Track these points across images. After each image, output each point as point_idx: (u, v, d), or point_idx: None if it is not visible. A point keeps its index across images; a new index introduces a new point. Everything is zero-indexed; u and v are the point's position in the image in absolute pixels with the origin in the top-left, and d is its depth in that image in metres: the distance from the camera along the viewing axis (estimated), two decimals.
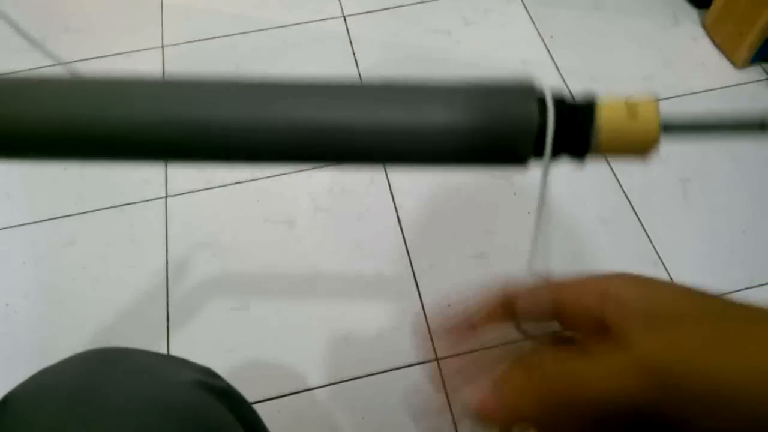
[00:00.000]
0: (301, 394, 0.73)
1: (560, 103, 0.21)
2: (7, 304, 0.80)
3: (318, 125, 0.21)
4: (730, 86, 0.96)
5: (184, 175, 0.91)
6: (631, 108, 0.21)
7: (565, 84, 0.98)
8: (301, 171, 0.91)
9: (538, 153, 0.21)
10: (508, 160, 0.22)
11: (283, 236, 0.84)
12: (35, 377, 0.34)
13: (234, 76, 0.22)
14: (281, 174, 0.91)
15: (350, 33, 1.05)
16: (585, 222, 0.84)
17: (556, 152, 0.22)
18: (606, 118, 0.21)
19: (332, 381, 0.73)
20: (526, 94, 0.21)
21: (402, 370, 0.74)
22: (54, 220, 0.87)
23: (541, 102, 0.21)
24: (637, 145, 0.21)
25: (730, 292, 0.78)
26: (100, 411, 0.31)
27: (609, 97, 0.22)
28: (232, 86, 0.22)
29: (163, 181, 0.90)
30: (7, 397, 0.33)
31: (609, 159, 0.22)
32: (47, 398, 0.32)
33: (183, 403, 0.34)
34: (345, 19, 1.07)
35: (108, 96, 0.21)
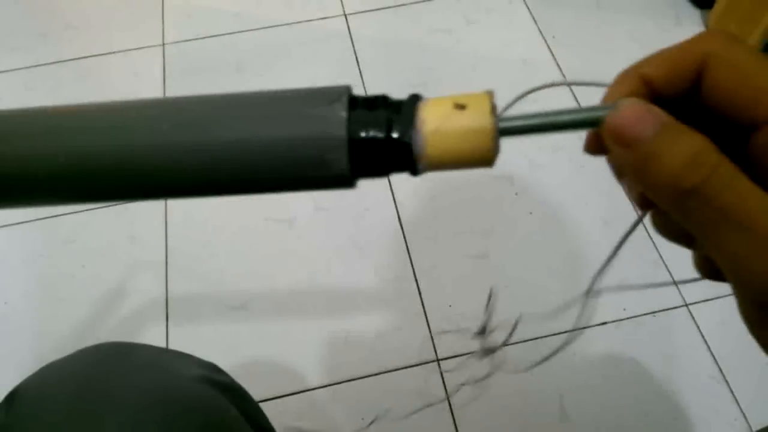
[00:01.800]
0: (301, 394, 0.72)
1: (370, 108, 0.18)
2: (6, 303, 0.80)
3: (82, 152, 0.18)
4: None
5: None
6: (459, 101, 0.18)
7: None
8: None
9: (362, 169, 0.18)
10: (327, 181, 0.19)
11: (283, 235, 0.84)
12: (43, 371, 0.34)
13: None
14: None
15: (351, 31, 1.05)
16: (587, 222, 0.84)
17: (379, 166, 0.18)
18: (428, 114, 0.18)
19: (332, 381, 0.73)
20: (332, 102, 0.18)
21: (402, 370, 0.74)
22: (53, 219, 0.86)
23: (356, 110, 0.18)
24: (471, 145, 0.18)
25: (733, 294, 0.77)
26: (107, 404, 0.31)
27: (435, 97, 0.19)
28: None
29: None
30: (15, 391, 0.33)
31: (447, 168, 0.18)
32: (55, 392, 0.32)
33: (188, 398, 0.34)
34: (346, 17, 1.07)
35: None
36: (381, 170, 0.19)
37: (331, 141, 0.18)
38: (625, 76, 0.20)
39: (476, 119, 0.18)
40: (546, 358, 0.27)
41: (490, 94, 0.18)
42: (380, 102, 0.19)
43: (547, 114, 0.18)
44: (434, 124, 0.18)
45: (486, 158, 0.18)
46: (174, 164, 0.19)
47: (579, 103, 0.95)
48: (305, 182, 0.19)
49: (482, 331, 0.28)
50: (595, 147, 0.20)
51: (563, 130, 0.19)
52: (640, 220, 0.21)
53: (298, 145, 0.18)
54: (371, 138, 0.18)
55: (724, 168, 0.16)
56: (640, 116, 0.17)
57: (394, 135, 0.18)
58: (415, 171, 0.19)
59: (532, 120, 0.18)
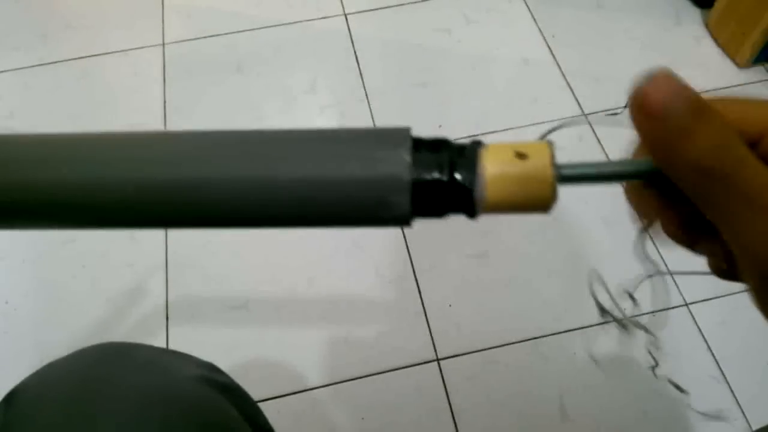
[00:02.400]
0: (301, 394, 0.72)
1: (433, 151, 0.19)
2: (6, 302, 0.80)
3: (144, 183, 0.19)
4: (733, 86, 0.96)
5: None
6: (520, 150, 0.18)
7: (567, 83, 0.97)
8: None
9: (421, 210, 0.19)
10: (386, 220, 0.19)
11: (283, 235, 0.84)
12: (42, 371, 0.34)
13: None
14: None
15: (351, 31, 1.05)
16: (587, 221, 0.84)
17: (438, 208, 0.19)
18: (491, 161, 0.18)
19: (332, 381, 0.73)
20: (397, 145, 0.19)
21: (402, 370, 0.74)
22: None
23: (419, 153, 0.19)
24: (531, 192, 0.18)
25: (733, 293, 0.77)
26: (106, 405, 0.31)
27: (496, 143, 0.19)
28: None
29: None
30: (14, 391, 0.33)
31: (504, 212, 0.19)
32: (54, 392, 0.32)
33: (187, 398, 0.34)
34: (346, 17, 1.07)
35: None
36: (439, 211, 0.19)
37: (396, 184, 0.18)
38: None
39: (537, 169, 0.18)
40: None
41: (550, 145, 0.19)
42: (442, 145, 0.19)
43: (604, 164, 0.19)
44: (496, 171, 0.18)
45: (544, 206, 0.19)
46: (237, 199, 0.19)
47: (580, 106, 0.95)
48: (362, 220, 0.19)
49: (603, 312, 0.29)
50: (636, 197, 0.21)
51: (620, 180, 0.19)
52: (645, 231, 0.22)
53: (363, 186, 0.19)
54: (434, 181, 0.19)
55: (751, 157, 0.16)
56: (674, 90, 0.17)
57: (458, 179, 0.19)
58: (473, 214, 0.19)
59: (590, 169, 0.19)
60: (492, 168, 0.18)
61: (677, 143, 0.16)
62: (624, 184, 0.21)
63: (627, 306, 0.27)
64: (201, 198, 0.19)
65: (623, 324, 0.25)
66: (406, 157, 0.19)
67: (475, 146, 0.19)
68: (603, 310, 0.25)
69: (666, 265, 0.80)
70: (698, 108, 0.16)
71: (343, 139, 0.19)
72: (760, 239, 0.16)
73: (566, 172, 0.19)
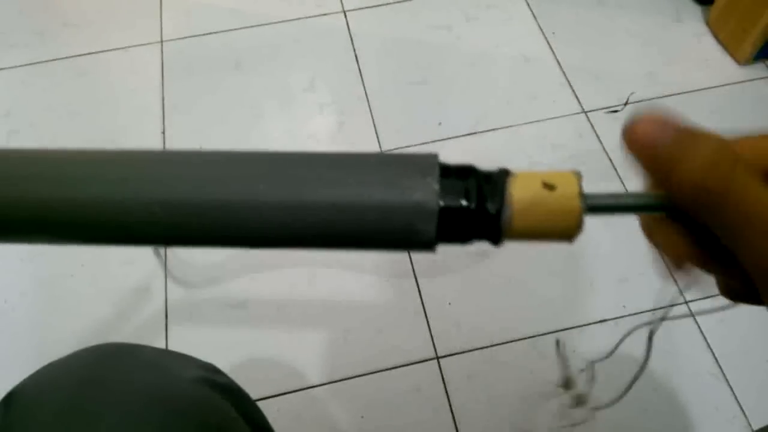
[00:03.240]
0: (301, 392, 0.72)
1: (460, 178, 0.19)
2: (5, 301, 0.80)
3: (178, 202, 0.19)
4: (734, 83, 0.96)
5: None
6: (548, 180, 0.19)
7: (568, 80, 0.97)
8: None
9: (446, 236, 0.19)
10: (411, 245, 0.19)
11: None
12: (40, 372, 0.34)
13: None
14: None
15: (350, 28, 1.04)
16: (588, 221, 0.84)
17: (464, 235, 0.19)
18: (518, 190, 0.19)
19: (331, 379, 0.73)
20: (425, 173, 0.19)
21: (402, 368, 0.74)
22: None
23: (447, 179, 0.19)
24: (558, 223, 0.19)
25: None
26: (105, 406, 0.31)
27: (523, 172, 0.19)
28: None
29: None
30: (13, 392, 0.33)
31: (528, 240, 0.19)
32: (53, 393, 0.32)
33: (187, 399, 0.34)
34: (345, 14, 1.06)
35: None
36: (464, 238, 0.19)
37: (424, 212, 0.19)
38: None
39: (565, 200, 0.19)
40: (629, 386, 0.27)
41: (578, 176, 0.19)
42: (470, 173, 0.19)
43: (631, 195, 0.19)
44: (524, 201, 0.19)
45: (570, 236, 0.19)
46: (264, 221, 0.19)
47: (580, 103, 0.95)
48: (388, 245, 0.20)
49: (566, 384, 0.28)
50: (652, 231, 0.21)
51: (647, 211, 0.20)
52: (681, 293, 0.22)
53: (391, 212, 0.19)
54: (462, 209, 0.19)
55: (741, 165, 0.16)
56: (658, 124, 0.18)
57: (487, 208, 0.19)
58: (497, 241, 0.19)
59: (616, 200, 0.19)
60: (520, 197, 0.19)
61: (670, 168, 0.17)
62: (641, 217, 0.21)
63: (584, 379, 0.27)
64: (231, 219, 0.19)
65: (579, 398, 0.25)
66: (435, 185, 0.19)
67: (503, 174, 0.19)
68: (566, 381, 0.25)
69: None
70: (685, 134, 0.17)
71: (372, 164, 0.20)
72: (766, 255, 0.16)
73: (593, 202, 0.19)
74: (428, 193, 0.19)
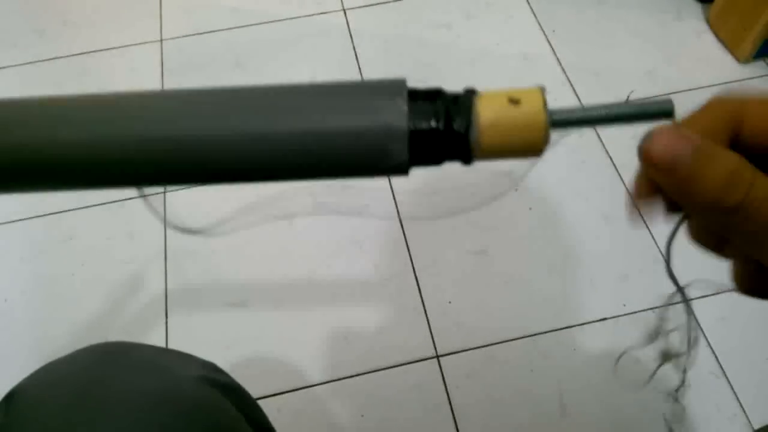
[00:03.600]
0: (301, 391, 0.72)
1: (428, 100, 0.20)
2: (5, 300, 0.80)
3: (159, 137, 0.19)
4: (734, 81, 0.96)
5: None
6: (513, 96, 0.19)
7: (568, 79, 0.97)
8: None
9: (418, 159, 0.20)
10: (384, 169, 0.20)
11: (282, 232, 0.84)
12: (41, 371, 0.34)
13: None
14: None
15: (350, 26, 1.04)
16: (587, 218, 0.84)
17: (435, 156, 0.20)
18: (485, 108, 0.19)
19: (332, 378, 0.73)
20: (394, 96, 0.20)
21: (402, 367, 0.74)
22: (52, 216, 0.86)
23: (415, 103, 0.20)
24: (525, 137, 0.19)
25: (734, 289, 0.77)
26: (107, 405, 0.31)
27: (489, 90, 0.20)
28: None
29: None
30: (13, 392, 0.33)
31: (498, 158, 0.20)
32: (53, 392, 0.32)
33: (189, 398, 0.34)
34: (345, 13, 1.06)
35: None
36: (436, 159, 0.20)
37: (394, 133, 0.19)
38: (717, 105, 0.20)
39: (530, 114, 0.19)
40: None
41: (542, 90, 0.19)
42: (438, 95, 0.20)
43: (596, 107, 0.20)
44: (491, 117, 0.19)
45: (537, 149, 0.19)
46: (241, 152, 0.19)
47: (580, 101, 0.95)
48: (363, 170, 0.20)
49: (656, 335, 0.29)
50: (643, 192, 0.21)
51: (612, 123, 0.20)
52: (678, 226, 0.22)
53: (363, 136, 0.19)
54: (431, 130, 0.19)
55: (760, 183, 0.17)
56: (674, 141, 0.18)
57: (454, 127, 0.19)
58: (468, 160, 0.20)
59: (581, 113, 0.20)
60: (486, 114, 0.19)
61: (691, 190, 0.17)
62: (634, 192, 0.21)
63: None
64: (204, 152, 0.19)
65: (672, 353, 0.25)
66: (403, 106, 0.19)
67: (470, 94, 0.20)
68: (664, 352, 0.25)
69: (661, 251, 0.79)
70: (704, 152, 0.17)
71: (342, 91, 0.20)
72: None
73: (558, 117, 0.19)
74: (398, 115, 0.19)
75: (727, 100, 0.20)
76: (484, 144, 0.19)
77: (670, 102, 0.19)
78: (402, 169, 0.20)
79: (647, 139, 0.18)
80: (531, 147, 0.19)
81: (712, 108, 0.20)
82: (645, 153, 0.18)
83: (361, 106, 0.19)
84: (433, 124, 0.19)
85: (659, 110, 0.19)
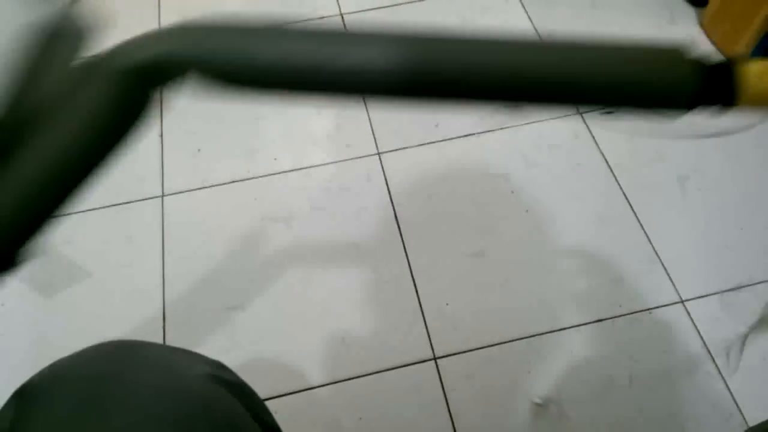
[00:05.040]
0: (300, 393, 0.72)
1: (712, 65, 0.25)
2: (2, 304, 0.80)
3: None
4: None
5: (181, 173, 0.91)
6: None
7: None
8: (299, 169, 0.91)
9: (697, 102, 0.25)
10: (670, 107, 0.26)
11: (280, 234, 0.84)
12: (51, 368, 0.34)
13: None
14: (278, 173, 0.90)
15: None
16: (583, 219, 0.84)
17: (710, 97, 0.25)
18: (755, 65, 0.24)
19: (330, 380, 0.73)
20: (687, 53, 0.26)
21: (400, 369, 0.74)
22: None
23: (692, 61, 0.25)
24: None
25: (729, 290, 0.78)
26: (116, 402, 0.31)
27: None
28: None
29: (160, 180, 0.90)
30: (25, 386, 0.33)
31: (757, 105, 0.24)
32: (63, 389, 0.32)
33: (198, 395, 0.34)
34: (342, 17, 1.07)
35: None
36: (711, 101, 0.25)
37: (685, 75, 0.25)
38: None
39: None
40: None
41: None
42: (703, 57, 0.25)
43: None
44: (760, 70, 0.24)
45: None
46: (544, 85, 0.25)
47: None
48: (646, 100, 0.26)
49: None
50: None
51: None
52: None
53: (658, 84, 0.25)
54: (718, 65, 0.25)
55: None
56: None
57: (724, 79, 0.24)
58: (731, 104, 0.25)
59: None
60: (756, 69, 0.24)
61: None
62: None
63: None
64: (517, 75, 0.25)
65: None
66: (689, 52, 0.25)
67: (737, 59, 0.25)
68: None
69: (656, 252, 0.80)
70: None
71: (633, 48, 0.26)
72: None
73: None
74: (689, 66, 0.25)
75: None
76: (751, 89, 0.24)
77: None
78: (683, 109, 0.25)
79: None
80: None
81: None
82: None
83: (662, 59, 0.26)
84: (713, 65, 0.25)
85: None
